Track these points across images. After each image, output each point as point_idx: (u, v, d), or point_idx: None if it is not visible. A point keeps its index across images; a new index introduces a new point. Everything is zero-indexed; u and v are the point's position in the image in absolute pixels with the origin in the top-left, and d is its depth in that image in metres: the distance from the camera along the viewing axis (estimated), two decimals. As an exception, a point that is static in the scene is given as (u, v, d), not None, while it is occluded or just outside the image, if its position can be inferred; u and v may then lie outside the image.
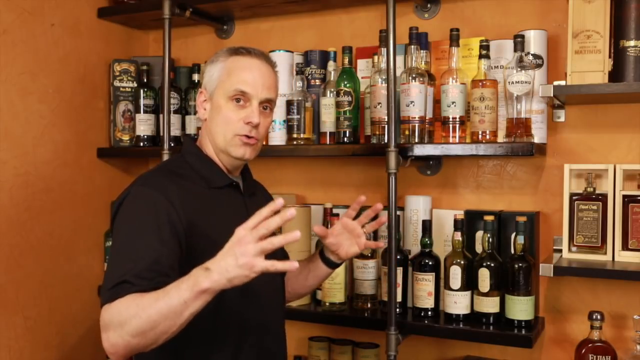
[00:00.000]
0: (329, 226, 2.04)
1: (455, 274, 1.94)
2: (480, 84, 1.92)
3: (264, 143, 1.99)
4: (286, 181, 2.49)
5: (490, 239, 1.92)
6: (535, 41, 1.98)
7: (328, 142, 2.17)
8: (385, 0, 1.90)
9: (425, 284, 2.00)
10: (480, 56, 1.94)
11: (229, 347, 1.51)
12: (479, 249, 1.99)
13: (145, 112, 2.51)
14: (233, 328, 1.51)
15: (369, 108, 2.10)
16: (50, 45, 2.37)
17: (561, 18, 2.03)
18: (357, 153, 2.10)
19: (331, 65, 2.20)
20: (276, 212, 1.24)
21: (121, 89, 2.56)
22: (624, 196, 1.87)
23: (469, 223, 2.02)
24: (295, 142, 2.18)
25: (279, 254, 1.60)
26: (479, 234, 2.00)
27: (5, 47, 2.21)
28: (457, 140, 1.95)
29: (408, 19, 2.25)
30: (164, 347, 1.34)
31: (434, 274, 2.00)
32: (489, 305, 1.92)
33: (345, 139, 2.12)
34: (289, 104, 2.17)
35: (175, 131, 2.45)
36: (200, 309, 1.26)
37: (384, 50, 2.00)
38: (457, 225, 1.95)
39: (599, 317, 1.85)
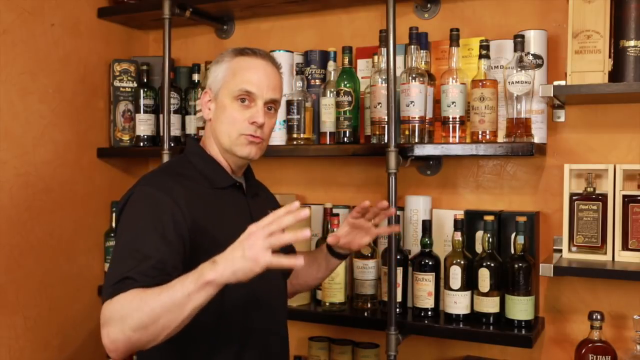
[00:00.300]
0: (329, 226, 2.06)
1: (455, 274, 1.94)
2: (480, 84, 1.92)
3: (265, 143, 2.00)
4: (286, 181, 2.49)
5: (490, 239, 1.92)
6: (535, 41, 1.98)
7: (328, 142, 2.17)
8: (385, 0, 1.91)
9: (425, 284, 2.00)
10: (480, 56, 1.94)
11: (232, 348, 1.51)
12: (479, 249, 1.99)
13: (145, 112, 2.51)
14: (236, 329, 1.51)
15: (369, 108, 2.10)
16: (50, 45, 2.37)
17: (561, 18, 2.03)
18: (357, 153, 2.10)
19: (331, 65, 2.20)
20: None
21: (121, 89, 2.56)
22: (624, 196, 1.87)
23: (469, 223, 2.02)
24: (295, 142, 2.18)
25: (288, 253, 1.61)
26: (479, 234, 2.00)
27: (5, 47, 2.21)
28: (457, 140, 1.95)
29: (408, 19, 2.25)
30: (168, 347, 1.34)
31: (434, 274, 2.00)
32: (489, 305, 1.92)
33: (345, 139, 2.12)
34: (289, 104, 2.17)
35: (175, 131, 2.45)
36: (202, 304, 1.25)
37: (384, 50, 2.00)
38: (457, 225, 1.95)
39: (599, 317, 1.85)
